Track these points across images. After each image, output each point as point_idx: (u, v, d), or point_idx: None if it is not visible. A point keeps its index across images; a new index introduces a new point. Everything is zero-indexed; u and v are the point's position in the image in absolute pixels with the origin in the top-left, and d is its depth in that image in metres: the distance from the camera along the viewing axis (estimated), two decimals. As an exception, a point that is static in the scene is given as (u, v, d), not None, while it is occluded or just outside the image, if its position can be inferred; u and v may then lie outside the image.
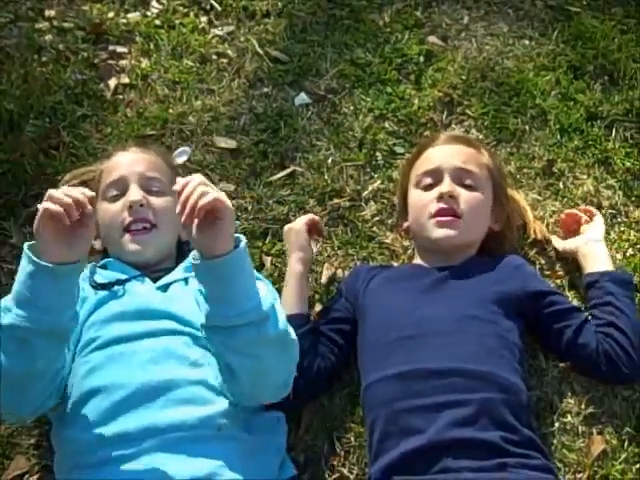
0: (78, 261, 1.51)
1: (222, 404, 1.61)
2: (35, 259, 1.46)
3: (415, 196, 1.92)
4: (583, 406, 1.81)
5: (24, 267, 1.49)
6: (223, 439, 1.58)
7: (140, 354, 1.64)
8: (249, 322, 1.49)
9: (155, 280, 1.78)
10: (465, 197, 1.86)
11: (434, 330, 1.73)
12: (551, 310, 1.82)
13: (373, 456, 1.67)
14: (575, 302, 1.94)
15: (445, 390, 1.65)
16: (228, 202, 1.48)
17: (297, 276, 1.90)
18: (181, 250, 1.91)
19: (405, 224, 1.99)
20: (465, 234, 1.86)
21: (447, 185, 1.86)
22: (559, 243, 2.02)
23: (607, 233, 2.08)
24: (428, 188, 1.90)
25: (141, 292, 1.74)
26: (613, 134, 2.27)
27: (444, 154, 1.92)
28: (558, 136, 2.26)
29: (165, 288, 1.76)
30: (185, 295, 1.72)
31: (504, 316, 1.77)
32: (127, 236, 1.80)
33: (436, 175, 1.89)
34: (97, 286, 1.74)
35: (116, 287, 1.75)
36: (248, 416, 1.65)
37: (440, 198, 1.85)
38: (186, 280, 1.77)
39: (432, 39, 2.50)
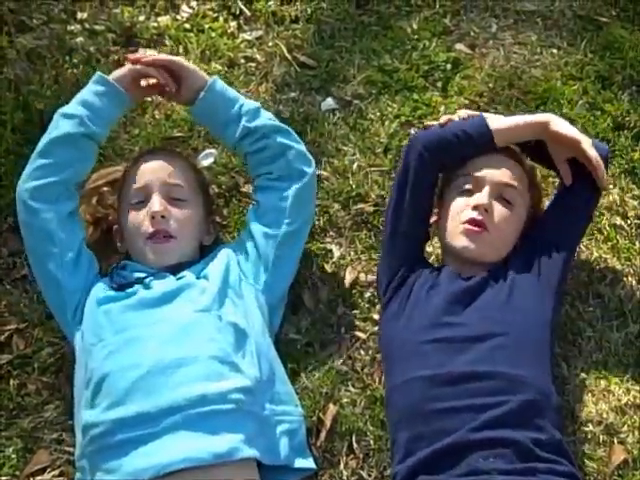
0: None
1: (238, 380, 1.65)
2: (110, 80, 1.89)
3: (451, 198, 1.92)
4: (605, 415, 1.81)
5: (94, 91, 1.89)
6: (242, 413, 1.62)
7: (157, 336, 1.69)
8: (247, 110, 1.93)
9: (175, 274, 1.84)
10: (498, 212, 1.85)
11: (466, 334, 1.74)
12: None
13: (402, 455, 1.67)
14: (599, 311, 1.94)
15: (479, 393, 1.66)
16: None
17: None
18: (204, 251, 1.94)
19: (434, 217, 1.98)
20: (484, 250, 1.85)
21: (485, 197, 1.85)
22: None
23: (632, 243, 2.08)
24: (466, 193, 1.89)
25: (160, 283, 1.80)
26: (640, 144, 2.26)
27: (489, 163, 1.90)
28: (585, 145, 2.25)
29: (181, 277, 1.82)
30: (198, 279, 1.81)
31: (538, 319, 1.77)
32: (148, 245, 1.85)
33: (477, 182, 1.88)
34: (117, 288, 1.81)
35: (136, 286, 1.80)
36: (265, 389, 1.69)
37: (475, 208, 1.85)
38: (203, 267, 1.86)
39: (460, 47, 2.50)
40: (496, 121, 1.90)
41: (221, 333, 1.71)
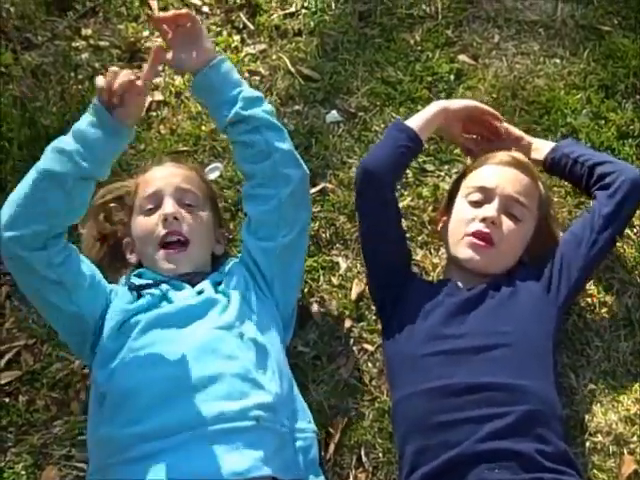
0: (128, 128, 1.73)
1: (260, 396, 1.64)
2: (102, 110, 1.68)
3: (460, 208, 1.92)
4: (614, 425, 1.81)
5: (88, 121, 1.69)
6: (262, 430, 1.61)
7: (179, 353, 1.67)
8: (245, 98, 1.85)
9: (192, 285, 1.82)
10: (506, 227, 1.86)
11: (470, 345, 1.74)
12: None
13: (409, 469, 1.67)
14: (606, 321, 1.94)
15: (483, 404, 1.66)
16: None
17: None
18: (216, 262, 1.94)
19: (440, 225, 1.99)
20: (491, 263, 1.86)
21: (494, 210, 1.86)
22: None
23: (638, 252, 2.07)
24: (475, 204, 1.90)
25: (180, 297, 1.78)
26: (644, 153, 2.26)
27: (502, 176, 1.91)
28: (589, 155, 2.26)
29: (201, 291, 1.80)
30: (218, 295, 1.79)
31: (540, 329, 1.78)
32: (161, 253, 1.84)
33: (487, 194, 1.89)
34: (135, 288, 1.79)
35: (154, 290, 1.78)
36: (284, 406, 1.68)
37: (483, 220, 1.86)
38: (219, 283, 1.84)
39: (463, 58, 2.51)
40: (412, 122, 1.97)
41: (242, 350, 1.70)
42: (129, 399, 1.64)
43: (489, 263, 1.86)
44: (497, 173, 1.92)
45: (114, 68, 1.72)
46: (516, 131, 2.08)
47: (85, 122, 1.71)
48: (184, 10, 1.87)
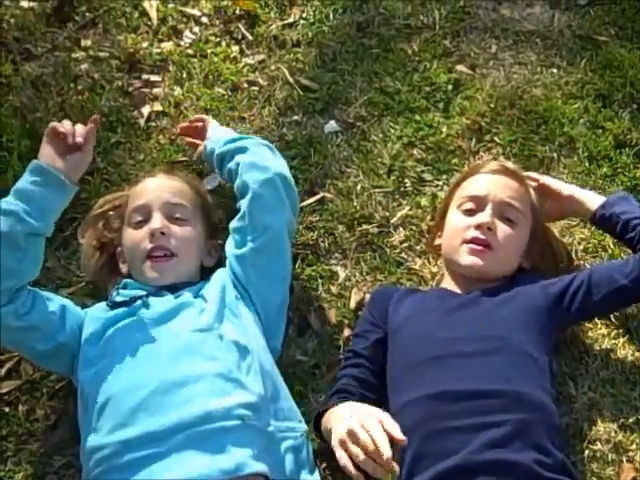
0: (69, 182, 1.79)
1: (243, 396, 1.66)
2: (45, 166, 1.77)
3: (454, 218, 1.94)
4: (613, 433, 1.81)
5: (30, 181, 1.76)
6: (248, 428, 1.63)
7: (159, 356, 1.71)
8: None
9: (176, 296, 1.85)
10: (502, 231, 1.87)
11: (462, 351, 1.74)
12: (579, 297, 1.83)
13: (406, 476, 1.67)
14: (604, 329, 1.94)
15: (479, 412, 1.66)
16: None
17: None
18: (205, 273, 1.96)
19: (437, 241, 2.01)
20: (493, 266, 1.88)
21: (488, 216, 1.87)
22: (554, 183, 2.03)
23: (636, 260, 2.08)
24: (469, 213, 1.91)
25: (159, 302, 1.82)
26: (642, 162, 2.27)
27: (492, 183, 1.93)
28: (587, 164, 2.27)
29: (179, 295, 1.84)
30: (196, 299, 1.83)
31: (535, 336, 1.78)
32: (148, 263, 1.87)
33: (480, 203, 1.90)
34: (114, 305, 1.82)
35: (137, 302, 1.82)
36: (268, 406, 1.70)
37: (478, 227, 1.87)
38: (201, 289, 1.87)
39: (460, 68, 2.52)
40: None
41: (223, 351, 1.72)
42: (113, 405, 1.66)
43: (491, 267, 1.87)
44: (487, 181, 1.94)
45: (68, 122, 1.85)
46: (556, 185, 2.03)
47: (27, 182, 1.77)
48: (196, 116, 2.26)
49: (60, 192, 1.79)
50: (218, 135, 2.09)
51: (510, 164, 2.03)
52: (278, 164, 1.99)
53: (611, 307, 1.92)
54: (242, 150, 1.98)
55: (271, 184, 1.93)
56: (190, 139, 2.22)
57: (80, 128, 1.85)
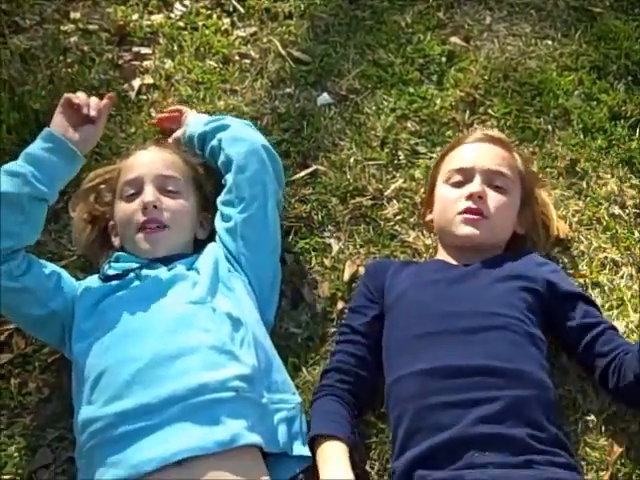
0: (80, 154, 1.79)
1: (237, 368, 1.66)
2: (57, 134, 1.76)
3: (444, 191, 1.93)
4: (606, 404, 1.80)
5: (41, 147, 1.76)
6: (242, 400, 1.63)
7: (153, 328, 1.70)
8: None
9: (167, 265, 1.85)
10: (493, 199, 1.87)
11: (461, 326, 1.73)
12: (579, 322, 1.79)
13: (398, 450, 1.67)
14: (599, 301, 1.94)
15: (474, 387, 1.65)
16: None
17: None
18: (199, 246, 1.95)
19: (428, 217, 2.00)
20: (489, 234, 1.87)
21: (477, 185, 1.87)
22: None
23: (631, 232, 2.08)
24: (458, 185, 1.90)
25: (153, 274, 1.81)
26: (637, 134, 2.26)
27: (478, 153, 1.93)
28: (581, 136, 2.26)
29: (172, 268, 1.83)
30: (189, 271, 1.82)
31: (529, 311, 1.77)
32: (140, 234, 1.86)
33: (467, 174, 1.90)
34: (106, 279, 1.82)
35: (130, 275, 1.81)
36: (262, 378, 1.70)
37: (469, 198, 1.86)
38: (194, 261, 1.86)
39: (454, 39, 2.50)
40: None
41: (216, 324, 1.72)
42: (108, 377, 1.65)
43: (487, 236, 1.86)
44: (473, 151, 1.94)
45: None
46: None
47: (38, 147, 1.76)
48: (174, 107, 2.25)
49: (69, 162, 1.78)
50: (197, 119, 2.09)
51: (494, 132, 2.02)
52: (260, 137, 2.00)
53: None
54: (223, 127, 1.98)
55: (255, 154, 1.93)
56: (167, 124, 2.23)
57: (95, 101, 1.84)
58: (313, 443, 1.71)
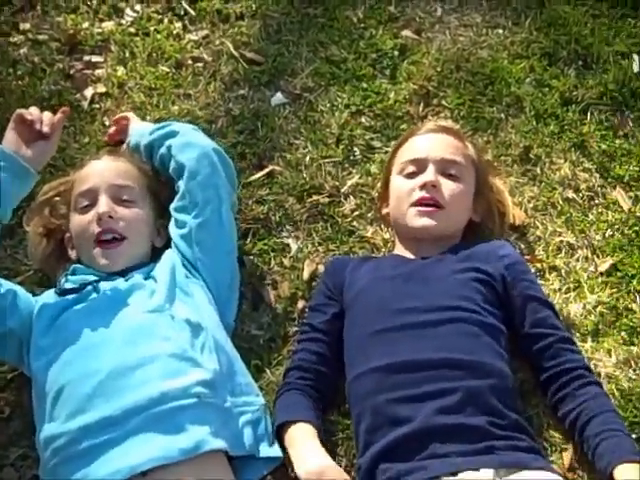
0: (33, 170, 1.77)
1: (198, 374, 1.65)
2: (8, 152, 1.73)
3: (397, 183, 1.93)
4: (568, 387, 1.82)
5: None
6: (204, 406, 1.62)
7: (112, 340, 1.69)
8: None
9: (126, 278, 1.83)
10: (447, 187, 1.88)
11: (416, 321, 1.74)
12: (528, 332, 1.79)
13: (362, 447, 1.67)
14: (556, 284, 1.96)
15: (431, 380, 1.65)
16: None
17: None
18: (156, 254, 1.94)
19: (385, 210, 2.00)
20: (444, 224, 1.87)
21: (431, 175, 1.87)
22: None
23: (585, 215, 2.11)
24: (411, 176, 1.91)
25: (110, 286, 1.80)
26: (588, 118, 2.28)
27: (429, 143, 1.94)
28: (534, 122, 2.27)
29: (129, 278, 1.83)
30: (147, 280, 1.82)
31: (486, 302, 1.78)
32: (98, 249, 1.85)
33: (420, 164, 1.90)
34: (62, 292, 1.80)
35: (87, 288, 1.79)
36: (225, 382, 1.69)
37: (423, 187, 1.86)
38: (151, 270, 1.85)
39: (406, 33, 2.50)
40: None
41: (176, 331, 1.71)
42: (68, 392, 1.63)
43: (443, 226, 1.87)
44: (425, 142, 1.95)
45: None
46: None
47: None
48: (119, 115, 2.24)
49: (22, 179, 1.75)
50: (140, 128, 2.08)
51: (446, 122, 2.04)
52: (209, 141, 2.00)
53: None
54: (172, 134, 1.97)
55: (206, 158, 1.92)
56: (117, 137, 2.21)
57: (48, 116, 1.81)
58: (280, 435, 1.71)
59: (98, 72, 2.44)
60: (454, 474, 1.55)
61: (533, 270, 1.96)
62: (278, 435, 1.72)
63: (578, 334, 1.90)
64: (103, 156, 2.03)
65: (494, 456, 1.57)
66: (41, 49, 2.47)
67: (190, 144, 1.94)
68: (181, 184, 1.92)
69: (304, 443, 1.68)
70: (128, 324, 1.72)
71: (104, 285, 1.81)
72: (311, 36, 2.50)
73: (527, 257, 2.01)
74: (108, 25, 2.56)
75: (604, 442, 1.61)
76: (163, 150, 1.97)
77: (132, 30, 2.55)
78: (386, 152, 2.22)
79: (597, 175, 2.17)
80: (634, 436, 1.70)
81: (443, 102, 2.34)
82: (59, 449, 1.60)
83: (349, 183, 2.18)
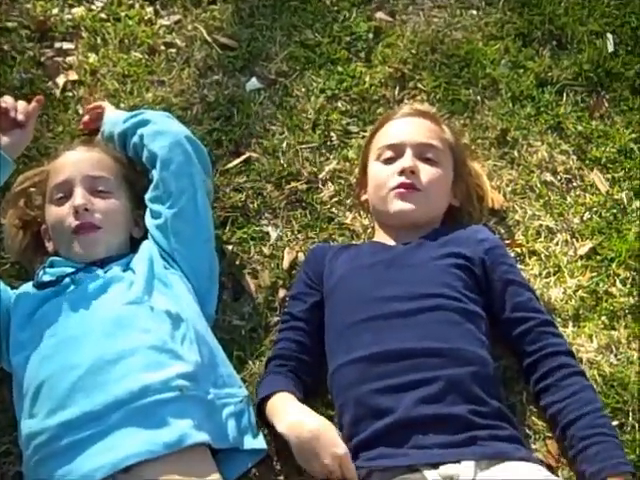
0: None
1: (179, 366, 1.64)
2: None
3: (375, 169, 1.93)
4: (549, 372, 1.83)
5: None
6: (187, 399, 1.62)
7: (91, 333, 1.67)
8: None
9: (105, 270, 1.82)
10: (426, 171, 1.87)
11: (396, 310, 1.73)
12: (508, 316, 1.79)
13: (346, 438, 1.67)
14: (536, 269, 1.97)
15: (412, 369, 1.66)
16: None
17: None
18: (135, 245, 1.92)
19: (363, 197, 2.00)
20: (424, 208, 1.87)
21: (409, 160, 1.87)
22: None
23: (563, 198, 2.11)
24: (389, 161, 1.90)
25: (88, 278, 1.78)
26: (564, 99, 2.28)
27: (407, 128, 1.94)
28: (510, 104, 2.27)
29: (108, 270, 1.81)
30: (125, 272, 1.80)
31: (466, 289, 1.78)
32: (75, 238, 1.83)
33: (397, 149, 1.90)
34: (40, 285, 1.78)
35: (65, 280, 1.77)
36: (207, 374, 1.69)
37: (401, 172, 1.86)
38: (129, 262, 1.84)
39: (380, 15, 2.48)
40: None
41: (155, 322, 1.70)
42: (48, 388, 1.62)
43: (422, 210, 1.86)
44: (401, 126, 1.94)
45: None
46: None
47: None
48: (93, 104, 2.21)
49: (0, 168, 1.74)
50: (114, 116, 2.06)
51: (422, 106, 2.04)
52: (182, 128, 1.98)
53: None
54: (144, 123, 1.95)
55: (178, 146, 1.90)
56: (92, 125, 2.19)
57: (22, 105, 1.80)
58: (262, 412, 1.71)
59: (69, 59, 2.40)
60: (435, 466, 1.55)
61: (513, 255, 1.97)
62: (261, 414, 1.72)
63: (559, 319, 1.91)
64: (77, 146, 2.01)
65: (475, 447, 1.57)
66: (10, 36, 2.42)
67: (161, 132, 1.92)
68: (154, 174, 1.90)
69: (284, 404, 1.69)
70: (107, 316, 1.71)
71: (82, 277, 1.79)
72: (285, 20, 2.47)
73: (507, 242, 2.01)
74: (78, 11, 2.51)
75: (595, 446, 1.61)
76: (135, 139, 1.94)
77: (103, 16, 2.50)
78: (363, 137, 2.21)
79: (574, 157, 2.17)
80: (616, 422, 1.73)
81: (419, 85, 2.33)
82: (40, 446, 1.59)
83: (327, 169, 2.17)
